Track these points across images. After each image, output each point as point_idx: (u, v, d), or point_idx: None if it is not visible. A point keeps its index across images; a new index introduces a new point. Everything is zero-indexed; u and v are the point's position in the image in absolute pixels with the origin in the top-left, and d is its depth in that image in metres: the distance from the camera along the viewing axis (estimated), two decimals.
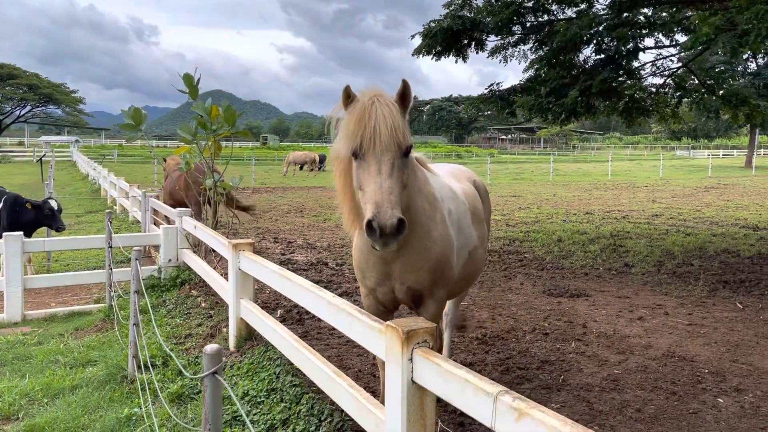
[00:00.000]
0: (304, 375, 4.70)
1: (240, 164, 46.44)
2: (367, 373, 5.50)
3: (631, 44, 10.63)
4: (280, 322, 7.02)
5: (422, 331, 3.05)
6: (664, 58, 12.68)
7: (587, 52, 11.79)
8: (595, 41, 10.94)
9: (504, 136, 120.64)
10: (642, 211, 19.41)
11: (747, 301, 8.06)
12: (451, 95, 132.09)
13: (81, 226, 16.33)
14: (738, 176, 39.75)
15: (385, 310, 4.04)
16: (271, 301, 8.03)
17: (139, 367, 5.78)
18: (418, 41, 12.11)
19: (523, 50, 12.99)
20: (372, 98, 3.15)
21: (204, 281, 8.13)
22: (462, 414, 4.42)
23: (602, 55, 11.31)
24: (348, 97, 3.20)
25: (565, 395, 4.97)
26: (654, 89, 14.34)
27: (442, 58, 12.02)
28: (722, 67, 15.10)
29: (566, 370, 5.53)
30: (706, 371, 5.48)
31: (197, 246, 9.18)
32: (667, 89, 14.28)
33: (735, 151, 75.95)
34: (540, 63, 12.78)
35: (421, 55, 12.00)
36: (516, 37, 12.77)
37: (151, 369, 5.50)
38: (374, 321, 3.41)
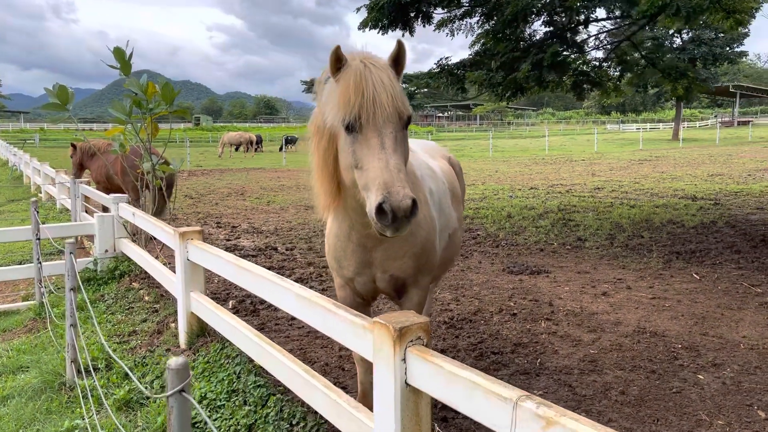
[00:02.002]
0: (269, 374, 4.30)
1: (173, 146, 44.70)
2: (334, 366, 5.13)
3: (583, 15, 10.50)
4: (233, 313, 6.58)
5: (416, 327, 2.70)
6: (608, 31, 12.66)
7: (536, 25, 11.61)
8: (546, 12, 10.75)
9: (441, 114, 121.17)
10: (584, 184, 19.68)
11: (702, 271, 8.11)
12: None
13: (3, 216, 15.15)
14: (667, 148, 41.17)
15: (362, 302, 3.67)
16: (220, 291, 7.54)
17: (78, 372, 5.21)
18: (357, 18, 11.65)
19: (470, 23, 12.70)
20: (364, 62, 2.73)
21: (146, 272, 7.53)
22: (444, 407, 4.12)
23: (551, 28, 11.13)
24: (338, 60, 2.76)
25: (546, 380, 4.75)
26: (597, 63, 14.38)
27: (389, 31, 11.58)
28: (659, 41, 15.28)
29: (541, 352, 5.32)
30: (680, 346, 5.38)
31: (136, 235, 8.52)
32: (609, 63, 14.35)
33: (661, 124, 78.87)
34: (486, 37, 12.54)
35: (367, 29, 11.52)
36: (463, 9, 12.46)
37: (93, 373, 4.95)
38: (357, 316, 3.04)
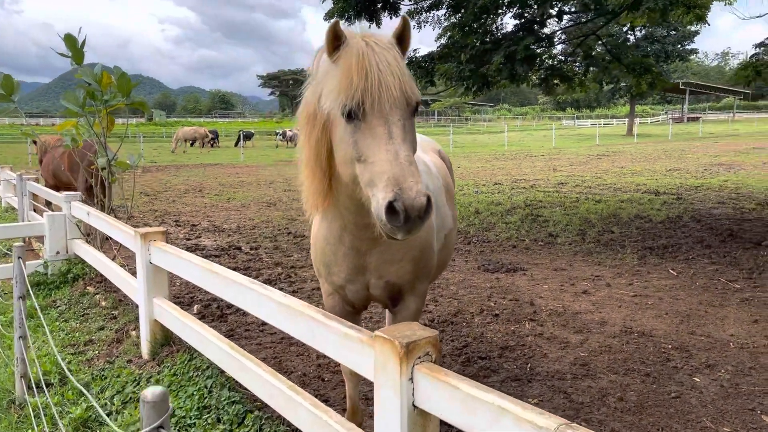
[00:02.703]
0: (245, 388, 3.93)
1: (127, 141, 43.31)
2: (313, 376, 4.78)
3: (556, 8, 10.35)
4: (198, 319, 6.15)
5: (424, 342, 2.40)
6: (575, 25, 12.57)
7: (506, 18, 11.42)
8: (517, 5, 10.56)
9: None
10: (547, 179, 19.71)
11: (677, 267, 8.04)
12: None
13: None
14: (622, 144, 41.90)
15: (352, 311, 3.34)
16: (183, 295, 7.08)
17: (29, 388, 4.73)
18: (313, 12, 11.26)
19: (437, 15, 12.44)
20: (366, 40, 2.40)
21: (102, 275, 7.02)
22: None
23: (521, 21, 10.96)
24: (336, 38, 2.42)
25: (539, 387, 4.51)
26: (563, 58, 14.33)
27: (356, 22, 11.23)
28: (616, 37, 15.31)
29: (530, 356, 5.08)
30: (670, 347, 5.22)
31: (90, 235, 7.97)
32: (575, 58, 14.31)
33: (614, 120, 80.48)
34: (453, 30, 12.30)
35: (333, 20, 11.14)
36: (430, 1, 12.20)
37: (45, 389, 4.49)
38: (352, 329, 2.70)
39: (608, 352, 5.13)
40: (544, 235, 10.43)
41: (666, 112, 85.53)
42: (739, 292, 6.78)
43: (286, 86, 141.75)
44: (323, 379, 4.71)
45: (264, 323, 5.90)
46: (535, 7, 10.59)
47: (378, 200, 2.20)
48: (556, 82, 12.42)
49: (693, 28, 47.22)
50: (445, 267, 3.98)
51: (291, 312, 3.12)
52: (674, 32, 46.28)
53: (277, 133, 51.49)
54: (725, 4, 16.89)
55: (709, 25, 15.38)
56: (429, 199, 2.15)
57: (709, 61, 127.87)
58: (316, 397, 4.41)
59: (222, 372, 4.36)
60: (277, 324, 3.27)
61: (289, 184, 19.70)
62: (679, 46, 48.35)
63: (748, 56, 15.62)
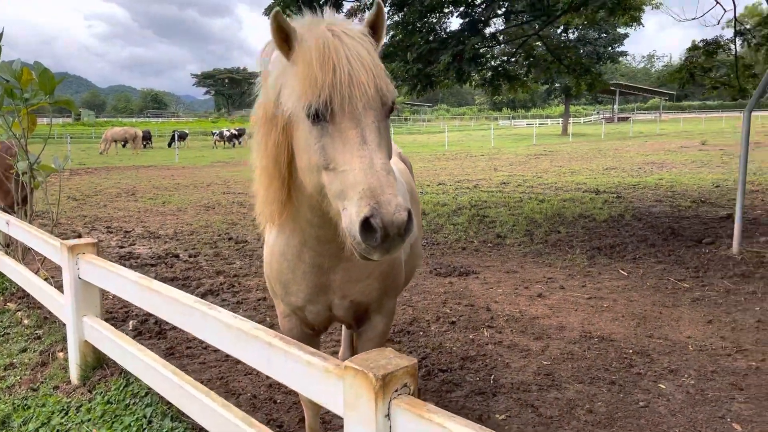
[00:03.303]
0: (189, 417, 3.54)
1: (52, 143, 41.22)
2: (264, 398, 4.42)
3: (504, 8, 10.26)
4: (134, 337, 5.66)
5: (402, 373, 2.10)
6: (517, 25, 12.56)
7: (452, 18, 11.30)
8: (464, 4, 10.42)
9: None
10: (490, 179, 19.79)
11: (626, 267, 8.05)
12: None
13: None
14: (558, 143, 42.84)
15: (312, 334, 3.01)
16: (116, 309, 6.56)
17: None
18: (249, 9, 10.79)
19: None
20: (332, 29, 2.08)
21: (25, 291, 6.41)
22: None
23: (467, 20, 10.82)
24: (281, 30, 2.10)
25: (505, 400, 4.29)
26: (506, 58, 14.34)
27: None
28: (558, 38, 15.52)
29: (492, 366, 4.88)
30: (631, 351, 5.12)
31: (10, 246, 7.31)
32: (517, 58, 14.34)
33: (549, 120, 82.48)
34: (397, 28, 12.09)
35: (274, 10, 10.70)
36: None
37: None
38: (317, 356, 2.39)
39: (571, 360, 4.98)
40: (493, 236, 10.33)
41: (597, 112, 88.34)
42: (689, 292, 6.81)
43: (222, 85, 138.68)
44: (275, 401, 4.35)
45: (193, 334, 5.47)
46: (483, 6, 10.48)
47: (350, 215, 1.90)
48: (500, 82, 12.37)
49: (622, 31, 48.91)
50: (411, 278, 3.70)
51: (243, 336, 2.77)
52: (605, 35, 47.76)
53: (213, 133, 50.15)
54: (652, 8, 17.36)
55: (643, 26, 15.78)
56: (410, 214, 1.87)
57: (636, 64, 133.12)
58: (268, 422, 4.07)
59: (163, 398, 3.95)
60: (227, 349, 2.91)
61: (228, 187, 19.06)
62: (610, 48, 49.97)
63: (682, 59, 16.09)
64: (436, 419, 1.91)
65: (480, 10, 10.65)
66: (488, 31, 13.02)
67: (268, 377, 4.69)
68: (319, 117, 2.01)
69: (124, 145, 42.95)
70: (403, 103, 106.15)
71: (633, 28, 15.29)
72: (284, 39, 2.11)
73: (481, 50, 12.10)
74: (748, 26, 13.91)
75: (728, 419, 3.95)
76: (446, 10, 10.83)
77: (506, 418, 4.01)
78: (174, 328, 5.88)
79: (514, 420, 3.98)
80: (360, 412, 2.11)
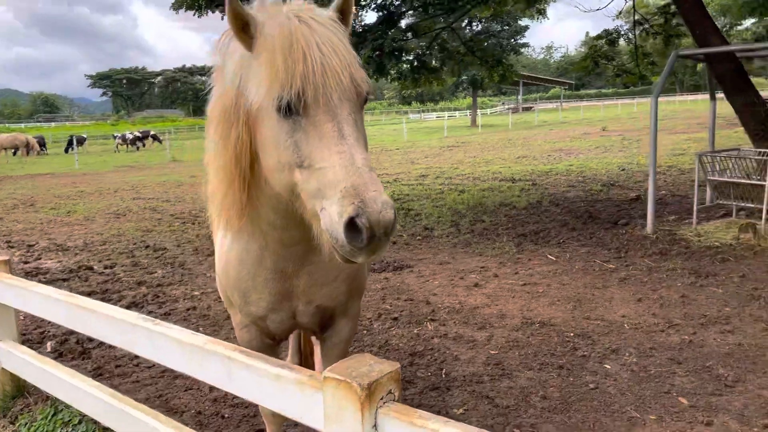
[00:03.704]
0: None
1: None
2: (210, 413, 4.16)
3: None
4: (55, 359, 5.21)
5: (386, 380, 1.98)
6: (433, 16, 12.63)
7: (368, 12, 11.20)
8: None
9: None
10: (408, 172, 19.90)
11: (553, 251, 8.27)
12: (184, 65, 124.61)
13: None
14: (469, 134, 43.81)
15: (272, 344, 2.83)
16: (30, 331, 6.03)
17: None
18: (143, 6, 10.35)
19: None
20: (300, 16, 1.91)
21: None
22: None
23: (383, 13, 10.77)
24: (237, 17, 1.92)
25: (459, 394, 4.25)
26: (420, 51, 14.42)
27: (209, 13, 10.40)
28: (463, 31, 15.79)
29: (442, 360, 4.83)
30: (572, 334, 5.23)
31: None
32: (432, 51, 14.46)
33: (457, 112, 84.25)
34: None
35: (182, 10, 10.22)
36: None
37: None
38: (287, 369, 2.22)
39: (517, 347, 5.02)
40: (420, 228, 10.35)
41: (503, 103, 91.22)
42: (616, 272, 7.06)
43: (120, 86, 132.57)
44: (223, 416, 4.11)
45: (137, 355, 5.11)
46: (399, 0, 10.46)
47: (331, 216, 1.75)
48: (420, 75, 12.42)
49: (523, 24, 50.54)
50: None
51: (198, 352, 2.55)
52: (507, 27, 49.23)
53: (115, 137, 47.76)
54: (555, 0, 17.96)
55: (548, 18, 16.33)
56: (395, 212, 1.75)
57: (536, 55, 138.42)
58: None
59: (100, 424, 3.63)
60: (180, 368, 2.68)
61: (137, 192, 18.15)
62: (512, 40, 51.56)
63: (578, 49, 16.79)
64: (430, 425, 1.81)
65: (398, 2, 10.62)
66: (404, 23, 13.05)
67: (211, 390, 4.43)
68: (291, 110, 1.85)
69: (14, 153, 40.12)
70: None
71: (538, 20, 15.81)
72: (242, 27, 1.93)
73: (400, 44, 12.10)
74: (640, 17, 14.64)
75: (674, 393, 4.09)
76: (363, 3, 10.71)
77: (464, 412, 3.97)
78: (99, 346, 5.47)
79: (472, 413, 3.95)
80: (344, 426, 1.97)
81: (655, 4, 20.26)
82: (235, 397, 4.26)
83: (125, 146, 45.71)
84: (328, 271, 2.52)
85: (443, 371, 4.62)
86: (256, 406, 4.11)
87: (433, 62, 14.57)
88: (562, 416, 3.88)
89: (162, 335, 2.73)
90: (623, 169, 16.71)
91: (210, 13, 10.39)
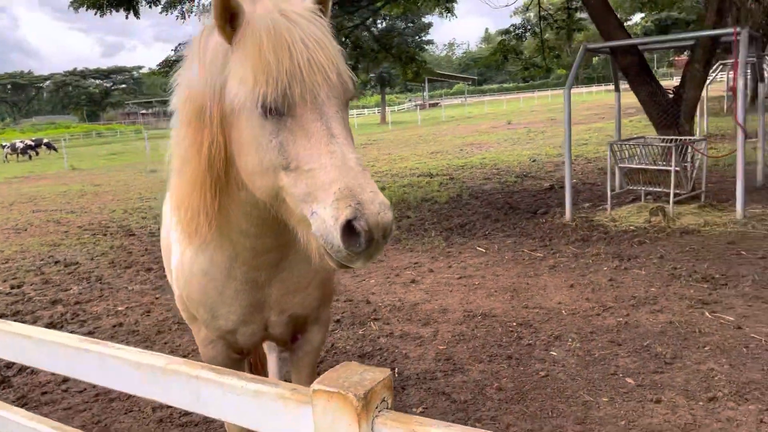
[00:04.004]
0: None
1: None
2: None
3: None
4: None
5: (380, 387, 1.87)
6: (351, 11, 12.57)
7: None
8: None
9: (145, 111, 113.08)
10: None
11: (481, 244, 8.42)
12: (75, 68, 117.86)
13: None
14: (380, 132, 44.09)
15: (238, 359, 2.67)
16: None
17: None
18: (26, 4, 9.69)
19: (204, 6, 11.51)
20: (283, 11, 1.79)
21: None
22: None
23: None
24: (226, 9, 1.77)
25: (416, 392, 4.22)
26: None
27: (112, 12, 9.83)
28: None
29: (392, 360, 4.79)
30: (515, 324, 5.32)
31: None
32: (346, 49, 14.39)
33: (365, 110, 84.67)
34: None
35: (83, 9, 9.60)
36: None
37: None
38: (268, 384, 2.08)
39: (464, 341, 5.05)
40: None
41: (409, 100, 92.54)
42: (544, 260, 7.28)
43: (4, 92, 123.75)
44: None
45: (66, 379, 4.75)
46: None
47: (324, 220, 1.65)
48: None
49: (427, 21, 51.46)
50: None
51: (159, 374, 2.35)
52: (412, 24, 49.94)
53: (4, 146, 44.49)
54: None
55: (456, 17, 16.67)
56: (392, 213, 1.68)
57: (439, 52, 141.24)
58: None
59: None
60: (139, 392, 2.45)
61: (36, 204, 16.97)
62: (417, 37, 52.36)
63: (479, 45, 17.28)
64: (433, 431, 1.74)
65: None
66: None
67: (155, 411, 4.17)
68: (276, 110, 1.73)
69: None
70: None
71: (447, 18, 16.09)
72: (228, 20, 1.79)
73: None
74: (545, 13, 15.23)
75: (620, 374, 4.24)
76: None
77: (423, 410, 3.95)
78: (19, 372, 5.04)
79: (431, 411, 3.93)
80: None
81: (553, 2, 21.13)
82: (182, 415, 4.03)
83: (15, 156, 42.67)
84: (301, 278, 2.41)
85: (395, 370, 4.58)
86: (207, 424, 3.91)
87: (347, 60, 14.49)
88: (519, 406, 3.93)
89: (115, 358, 2.50)
90: (534, 160, 17.32)
91: (114, 12, 9.83)
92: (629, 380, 4.14)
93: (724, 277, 6.01)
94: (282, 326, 2.48)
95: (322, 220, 1.66)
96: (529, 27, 14.81)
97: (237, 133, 1.85)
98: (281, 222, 2.22)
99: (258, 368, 3.94)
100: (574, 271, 6.73)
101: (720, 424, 3.53)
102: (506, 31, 14.55)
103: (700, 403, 3.77)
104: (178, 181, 2.08)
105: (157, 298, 6.98)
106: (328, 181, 1.65)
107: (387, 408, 1.95)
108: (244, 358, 2.74)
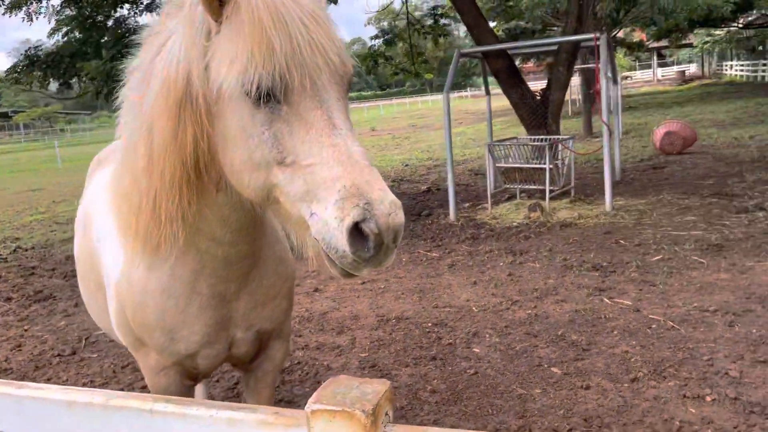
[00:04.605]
0: None
1: None
2: None
3: None
4: None
5: (384, 401, 1.73)
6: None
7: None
8: None
9: None
10: None
11: None
12: None
13: None
14: None
15: (191, 386, 2.35)
16: None
17: None
18: None
19: (53, 6, 10.51)
20: None
21: None
22: None
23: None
24: None
25: None
26: None
27: None
28: None
29: (315, 373, 4.56)
30: (431, 324, 5.29)
31: None
32: None
33: None
34: (70, 22, 10.58)
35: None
36: None
37: None
38: (245, 411, 1.83)
39: (384, 346, 4.93)
40: None
41: None
42: (442, 260, 7.36)
43: None
44: None
45: None
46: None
47: (327, 221, 1.46)
48: None
49: None
50: None
51: (101, 413, 1.99)
52: None
53: None
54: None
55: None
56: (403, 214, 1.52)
57: None
58: None
59: None
60: None
61: None
62: None
63: (368, 47, 17.42)
64: None
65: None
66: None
67: None
68: (269, 96, 1.50)
69: None
70: (56, 113, 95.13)
71: None
72: None
73: None
74: (413, 19, 15.60)
75: (545, 365, 4.33)
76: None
77: None
78: None
79: None
80: None
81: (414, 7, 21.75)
82: None
83: None
84: (269, 288, 2.17)
85: (321, 384, 4.35)
86: None
87: None
88: (458, 407, 3.88)
89: (39, 400, 2.09)
90: (406, 165, 17.66)
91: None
92: (555, 369, 4.24)
93: (611, 264, 6.41)
94: (248, 344, 2.22)
95: (323, 222, 1.47)
96: (396, 33, 15.08)
97: (221, 123, 1.61)
98: (259, 226, 1.98)
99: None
100: (472, 269, 6.86)
101: (648, 402, 3.70)
102: (375, 36, 14.72)
103: (626, 385, 3.94)
104: (138, 184, 1.77)
105: (26, 330, 6.17)
106: (330, 177, 1.46)
107: (389, 422, 1.79)
108: (194, 385, 2.42)
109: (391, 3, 14.93)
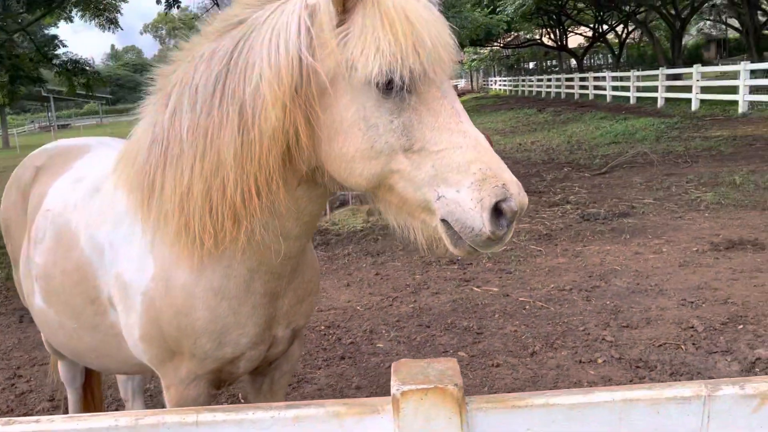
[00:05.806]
0: None
1: None
2: None
3: None
4: None
5: (453, 373, 1.85)
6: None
7: None
8: None
9: None
10: None
11: None
12: None
13: None
14: (6, 157, 37.89)
15: (216, 394, 2.18)
16: None
17: None
18: None
19: None
20: None
21: None
22: None
23: None
24: None
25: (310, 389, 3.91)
26: None
27: None
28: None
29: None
30: (323, 327, 5.31)
31: None
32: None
33: None
34: None
35: None
36: None
37: None
38: (313, 405, 1.81)
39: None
40: None
41: (31, 122, 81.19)
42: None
43: None
44: None
45: None
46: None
47: (459, 202, 1.55)
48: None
49: (51, 33, 46.06)
50: None
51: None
52: (41, 36, 44.15)
53: None
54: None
55: (122, 29, 15.67)
56: None
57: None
58: None
59: None
60: None
61: None
62: (46, 48, 46.39)
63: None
64: (535, 401, 1.76)
65: None
66: None
67: None
68: (399, 87, 1.54)
69: None
70: None
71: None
72: None
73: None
74: (164, 31, 15.34)
75: (450, 352, 4.63)
76: None
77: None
78: None
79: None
80: None
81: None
82: None
83: None
84: (308, 283, 2.15)
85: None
86: None
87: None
88: None
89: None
90: None
91: None
92: (462, 353, 4.56)
93: (465, 258, 6.97)
94: (285, 342, 2.15)
95: (455, 203, 1.55)
96: None
97: (332, 113, 1.61)
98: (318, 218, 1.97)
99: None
100: (339, 272, 6.98)
101: (554, 371, 4.17)
102: None
103: (528, 359, 4.38)
104: (209, 182, 1.68)
105: None
106: (465, 161, 1.55)
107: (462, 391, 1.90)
108: (218, 394, 2.24)
109: None
